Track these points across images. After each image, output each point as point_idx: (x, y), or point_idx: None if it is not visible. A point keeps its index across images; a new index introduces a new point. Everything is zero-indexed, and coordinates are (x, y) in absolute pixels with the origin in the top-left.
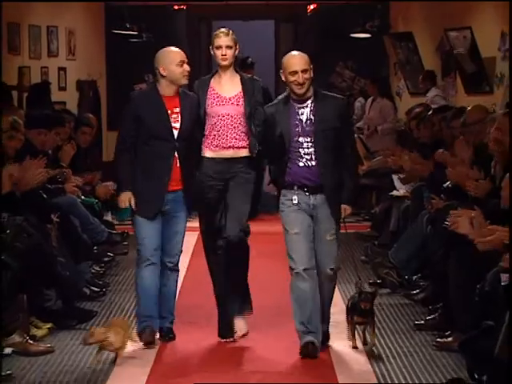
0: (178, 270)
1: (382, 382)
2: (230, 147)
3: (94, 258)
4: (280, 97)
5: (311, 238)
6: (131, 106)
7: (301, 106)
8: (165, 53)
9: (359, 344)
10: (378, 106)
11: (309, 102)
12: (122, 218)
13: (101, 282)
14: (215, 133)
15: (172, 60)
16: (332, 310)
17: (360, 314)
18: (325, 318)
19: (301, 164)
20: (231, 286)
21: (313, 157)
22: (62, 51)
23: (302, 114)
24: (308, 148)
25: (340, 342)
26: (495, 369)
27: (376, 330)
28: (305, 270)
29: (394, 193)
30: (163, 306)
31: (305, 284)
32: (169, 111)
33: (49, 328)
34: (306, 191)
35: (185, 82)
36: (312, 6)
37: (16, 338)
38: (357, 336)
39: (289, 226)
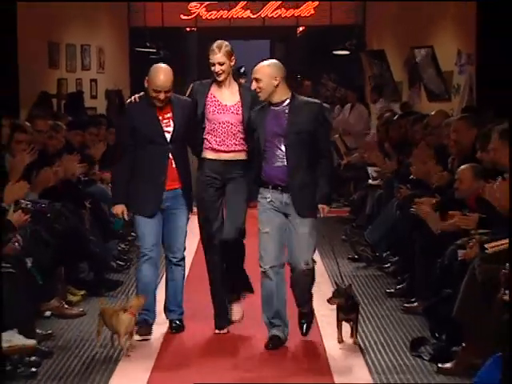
0: (183, 265)
1: (359, 340)
2: (230, 151)
3: (119, 237)
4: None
5: (281, 238)
6: (126, 117)
7: (277, 109)
8: (152, 71)
9: (348, 339)
10: (356, 111)
11: (285, 105)
12: (117, 228)
13: (125, 257)
14: (216, 138)
15: (151, 82)
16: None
17: (341, 311)
18: (301, 301)
19: (275, 164)
20: (228, 279)
21: (284, 157)
22: (94, 65)
23: (278, 118)
24: (281, 149)
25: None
26: (452, 328)
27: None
28: (271, 267)
29: (370, 182)
30: (171, 300)
31: (270, 282)
32: (160, 117)
33: (82, 295)
34: (280, 190)
35: (159, 104)
36: (301, 28)
37: (55, 303)
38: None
39: (261, 225)
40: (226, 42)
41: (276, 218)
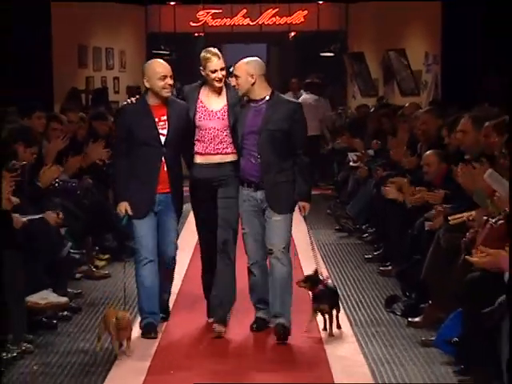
0: (173, 268)
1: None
2: (217, 154)
3: None
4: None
5: (260, 235)
6: (122, 118)
7: (256, 106)
8: (148, 65)
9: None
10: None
11: (263, 103)
12: (124, 223)
13: None
14: (203, 143)
15: (154, 73)
16: None
17: (314, 300)
18: (277, 305)
19: (248, 161)
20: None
21: (258, 154)
22: (116, 65)
23: (256, 116)
24: (255, 146)
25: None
26: (420, 288)
27: (338, 262)
28: (253, 264)
29: (351, 164)
30: (160, 300)
31: (253, 277)
32: (156, 119)
33: (107, 260)
34: (254, 187)
35: (166, 94)
36: (292, 34)
37: (84, 267)
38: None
39: (242, 223)
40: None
41: (254, 219)
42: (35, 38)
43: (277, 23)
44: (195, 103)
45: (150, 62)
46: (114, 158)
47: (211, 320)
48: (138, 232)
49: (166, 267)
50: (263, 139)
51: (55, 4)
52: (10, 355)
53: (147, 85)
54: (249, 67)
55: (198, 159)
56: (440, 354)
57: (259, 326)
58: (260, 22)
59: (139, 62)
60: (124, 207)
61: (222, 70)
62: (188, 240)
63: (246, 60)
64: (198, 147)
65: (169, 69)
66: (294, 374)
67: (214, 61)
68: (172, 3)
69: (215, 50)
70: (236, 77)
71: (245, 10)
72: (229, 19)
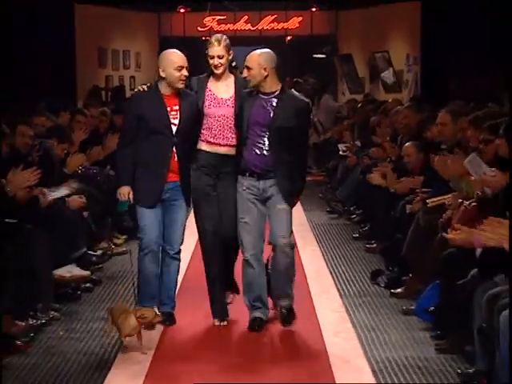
0: (178, 259)
1: (329, 267)
2: (225, 145)
3: None
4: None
5: (260, 226)
6: (132, 105)
7: (265, 98)
8: (166, 55)
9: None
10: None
11: (273, 97)
12: (121, 209)
13: None
14: (212, 131)
15: (170, 63)
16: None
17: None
18: (281, 293)
19: (254, 152)
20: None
21: (266, 147)
22: (132, 66)
23: (265, 108)
24: (263, 138)
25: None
26: (402, 263)
27: (329, 240)
28: (252, 255)
29: (340, 153)
30: (164, 292)
31: (251, 270)
32: (168, 108)
33: (125, 238)
34: (256, 177)
35: (181, 86)
36: (288, 37)
37: (104, 244)
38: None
39: (240, 213)
40: (225, 36)
41: (254, 208)
42: (60, 40)
43: (275, 28)
44: (204, 92)
45: (167, 51)
46: (119, 144)
47: (217, 322)
48: (144, 221)
49: (171, 257)
50: (274, 134)
51: (78, 12)
52: (39, 322)
53: (162, 74)
54: (261, 59)
55: (204, 147)
56: (419, 322)
57: (258, 325)
58: (260, 27)
59: (153, 63)
60: (127, 191)
61: (219, 57)
62: (188, 242)
63: (258, 52)
64: (205, 135)
65: (185, 60)
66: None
67: (213, 47)
68: (182, 11)
69: (219, 36)
70: (248, 68)
71: (246, 17)
72: (232, 25)
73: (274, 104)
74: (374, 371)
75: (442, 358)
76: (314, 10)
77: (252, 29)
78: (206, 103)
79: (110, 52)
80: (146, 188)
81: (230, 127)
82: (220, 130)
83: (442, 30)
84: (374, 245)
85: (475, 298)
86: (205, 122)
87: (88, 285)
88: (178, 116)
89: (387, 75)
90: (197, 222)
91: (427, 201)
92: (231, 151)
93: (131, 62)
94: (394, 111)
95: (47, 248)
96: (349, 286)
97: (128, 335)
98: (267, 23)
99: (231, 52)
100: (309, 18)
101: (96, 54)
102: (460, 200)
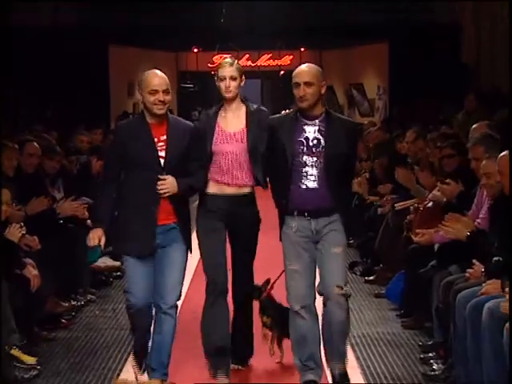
0: (174, 316)
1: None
2: (234, 185)
3: None
4: (288, 111)
5: (311, 274)
6: (116, 137)
7: (309, 122)
8: (142, 77)
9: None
10: None
11: (317, 120)
12: (92, 260)
13: None
14: (219, 170)
15: (145, 86)
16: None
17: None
18: (334, 354)
19: (303, 186)
20: (234, 336)
21: (316, 178)
22: None
23: (309, 132)
24: (312, 168)
25: None
26: (374, 256)
27: None
28: (302, 307)
29: None
30: (155, 357)
31: (302, 322)
32: (155, 139)
33: None
34: (307, 216)
35: (158, 112)
36: (282, 72)
37: None
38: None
39: (288, 260)
40: (236, 60)
41: (305, 253)
42: (96, 75)
43: (270, 64)
44: (213, 128)
45: (145, 72)
46: (101, 179)
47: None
48: (129, 274)
49: (164, 313)
50: (329, 164)
51: (111, 52)
52: (79, 303)
53: (142, 100)
54: (320, 74)
55: (211, 189)
56: (388, 303)
57: None
58: (258, 64)
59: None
60: (98, 235)
61: (231, 78)
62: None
63: (312, 65)
64: (213, 173)
65: (164, 82)
66: None
67: (225, 67)
68: (195, 50)
69: (231, 59)
70: (308, 84)
71: (247, 55)
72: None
73: (323, 128)
74: (351, 344)
75: (406, 332)
76: (302, 49)
77: (252, 65)
78: (214, 139)
79: (136, 84)
80: (132, 233)
81: (240, 164)
82: (229, 167)
83: (406, 66)
84: (352, 241)
85: (434, 284)
86: (213, 159)
87: (118, 273)
88: (165, 147)
89: (365, 107)
90: (205, 273)
91: (395, 205)
92: (240, 191)
93: None
94: (367, 132)
95: (85, 244)
96: None
97: None
98: (264, 60)
99: (243, 78)
100: (298, 56)
101: (126, 86)
102: (416, 204)
